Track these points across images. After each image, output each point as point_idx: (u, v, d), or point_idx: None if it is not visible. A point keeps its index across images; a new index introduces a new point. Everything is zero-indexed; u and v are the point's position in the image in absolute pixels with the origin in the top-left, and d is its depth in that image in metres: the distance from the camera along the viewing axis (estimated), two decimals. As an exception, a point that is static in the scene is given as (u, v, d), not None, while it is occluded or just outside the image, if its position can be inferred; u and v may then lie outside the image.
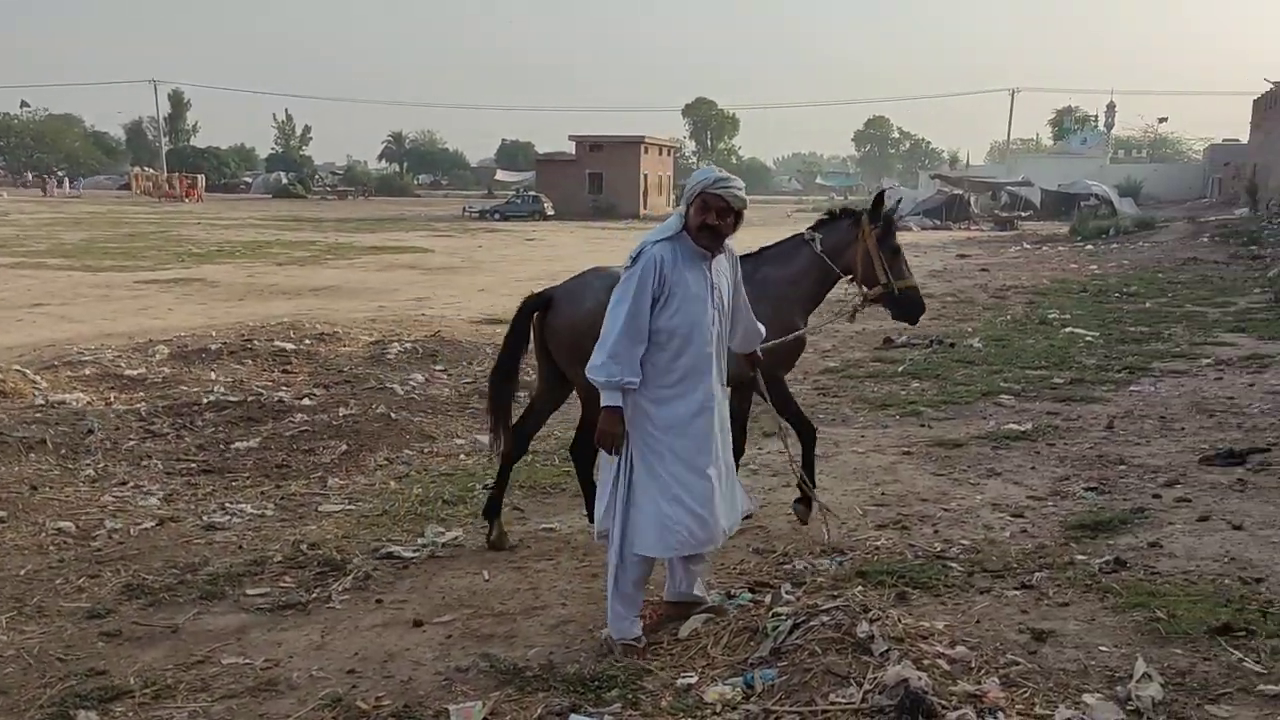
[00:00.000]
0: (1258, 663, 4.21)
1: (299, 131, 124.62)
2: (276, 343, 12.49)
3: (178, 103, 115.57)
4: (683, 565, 4.90)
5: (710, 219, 4.46)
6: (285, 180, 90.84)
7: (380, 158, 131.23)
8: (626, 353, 4.37)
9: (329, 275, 23.51)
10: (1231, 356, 12.34)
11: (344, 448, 8.17)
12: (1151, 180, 66.23)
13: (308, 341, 12.83)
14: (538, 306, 5.82)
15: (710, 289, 4.55)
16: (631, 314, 4.38)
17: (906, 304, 6.25)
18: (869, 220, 6.11)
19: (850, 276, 6.27)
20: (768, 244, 6.37)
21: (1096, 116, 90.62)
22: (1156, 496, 6.85)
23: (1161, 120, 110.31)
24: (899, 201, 6.23)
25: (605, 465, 4.69)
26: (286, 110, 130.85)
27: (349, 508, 6.84)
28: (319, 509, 6.80)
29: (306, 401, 9.64)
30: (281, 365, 11.47)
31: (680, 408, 4.52)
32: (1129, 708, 3.85)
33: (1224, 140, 67.74)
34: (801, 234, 6.28)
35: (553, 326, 5.72)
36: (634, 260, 4.48)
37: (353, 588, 5.42)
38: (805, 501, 6.31)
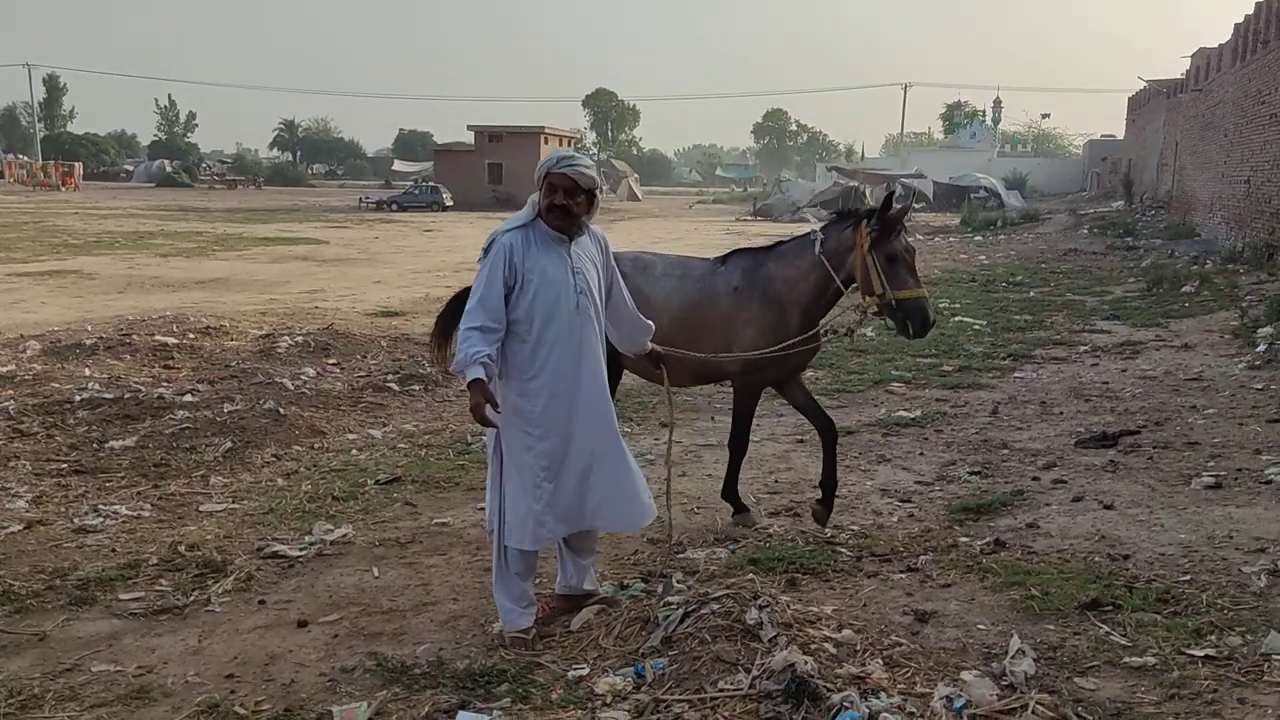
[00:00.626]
0: (1124, 636, 4.38)
1: (183, 118, 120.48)
2: (158, 337, 12.04)
3: (53, 88, 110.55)
4: (571, 559, 4.88)
5: (558, 199, 4.42)
6: (169, 169, 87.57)
7: (272, 146, 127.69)
8: (480, 338, 4.29)
9: (216, 267, 22.78)
10: (1107, 343, 12.87)
11: (229, 445, 7.91)
12: (1036, 174, 68.47)
13: (192, 336, 12.41)
14: None
15: (571, 273, 4.49)
16: (482, 299, 4.32)
17: (905, 316, 5.47)
18: (868, 222, 5.52)
19: (856, 286, 5.68)
20: (784, 239, 6.18)
21: (985, 112, 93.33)
22: (1035, 479, 7.10)
23: (1044, 116, 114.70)
24: (913, 195, 5.95)
25: (490, 459, 4.65)
26: (170, 96, 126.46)
27: (232, 507, 6.62)
28: (200, 509, 6.57)
29: (189, 398, 9.31)
30: (163, 360, 11.06)
31: (544, 399, 4.46)
32: (1004, 683, 3.97)
33: (1102, 136, 70.36)
34: (811, 233, 5.87)
35: None
36: (485, 251, 4.44)
37: (234, 589, 5.25)
38: (825, 504, 6.08)
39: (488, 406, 4.22)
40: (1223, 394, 9.58)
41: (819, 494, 6.13)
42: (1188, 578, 5.05)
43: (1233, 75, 24.82)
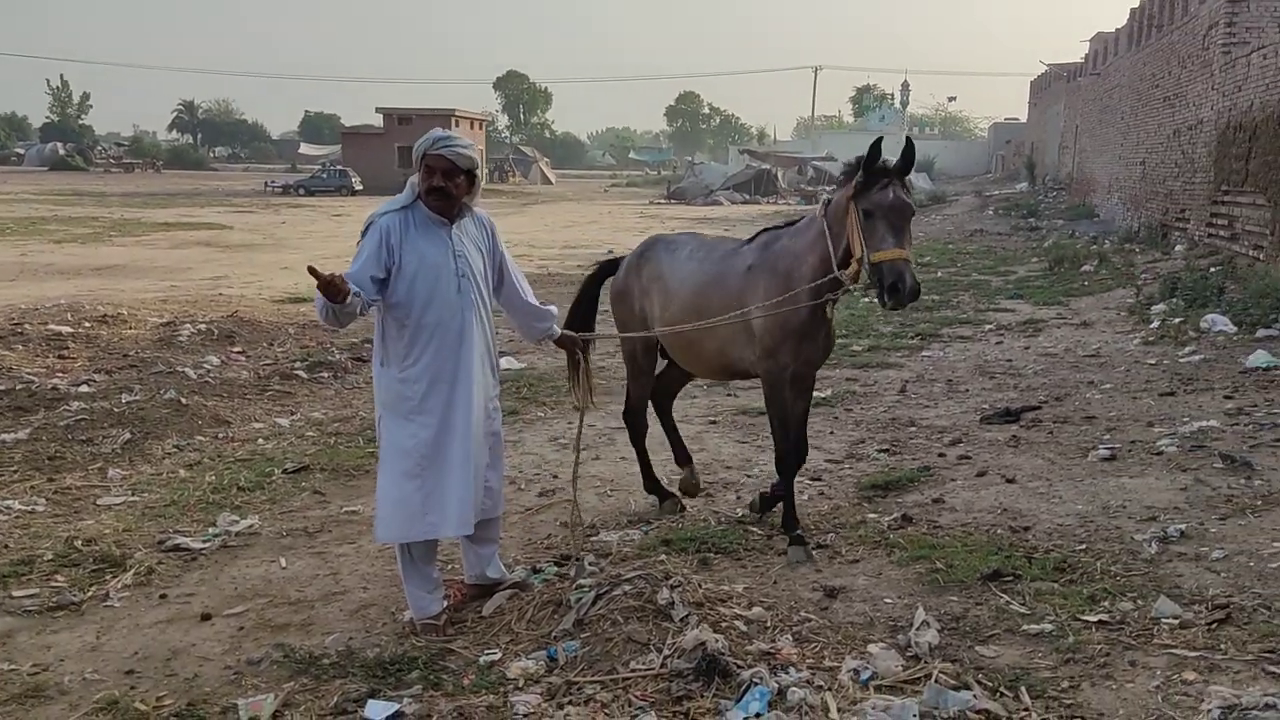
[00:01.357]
0: (1023, 605, 4.52)
1: (77, 99, 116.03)
2: (51, 326, 11.59)
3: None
4: (471, 549, 4.84)
5: (436, 181, 4.35)
6: (63, 151, 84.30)
7: (171, 128, 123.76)
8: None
9: (114, 254, 22.03)
10: (1011, 322, 13.22)
11: (127, 436, 7.67)
12: (943, 156, 69.90)
13: (88, 324, 11.98)
14: (610, 271, 6.18)
15: (452, 257, 4.42)
16: (351, 274, 4.21)
17: (880, 280, 4.74)
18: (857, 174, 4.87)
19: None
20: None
21: (893, 95, 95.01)
22: (942, 455, 7.26)
23: (951, 99, 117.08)
24: (907, 150, 4.87)
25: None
26: (62, 76, 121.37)
27: (132, 500, 6.42)
28: (97, 503, 6.36)
29: (85, 388, 9.00)
30: (57, 350, 10.64)
31: (424, 385, 4.38)
32: (909, 654, 4.07)
33: (1006, 119, 72.14)
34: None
35: (611, 289, 6.11)
36: (364, 233, 4.36)
37: (134, 584, 5.09)
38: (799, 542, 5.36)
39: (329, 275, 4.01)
40: (1119, 369, 9.91)
41: (731, 474, 6.18)
42: (1084, 547, 5.23)
43: (1128, 60, 25.62)
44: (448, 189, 4.36)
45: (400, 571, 4.62)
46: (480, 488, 4.58)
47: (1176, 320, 11.74)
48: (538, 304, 4.95)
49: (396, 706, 3.81)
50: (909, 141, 4.97)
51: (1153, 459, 6.76)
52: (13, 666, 4.25)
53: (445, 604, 4.66)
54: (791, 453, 5.45)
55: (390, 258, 4.30)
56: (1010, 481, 6.46)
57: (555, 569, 5.18)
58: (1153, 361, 10.09)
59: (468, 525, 4.54)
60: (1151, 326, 11.83)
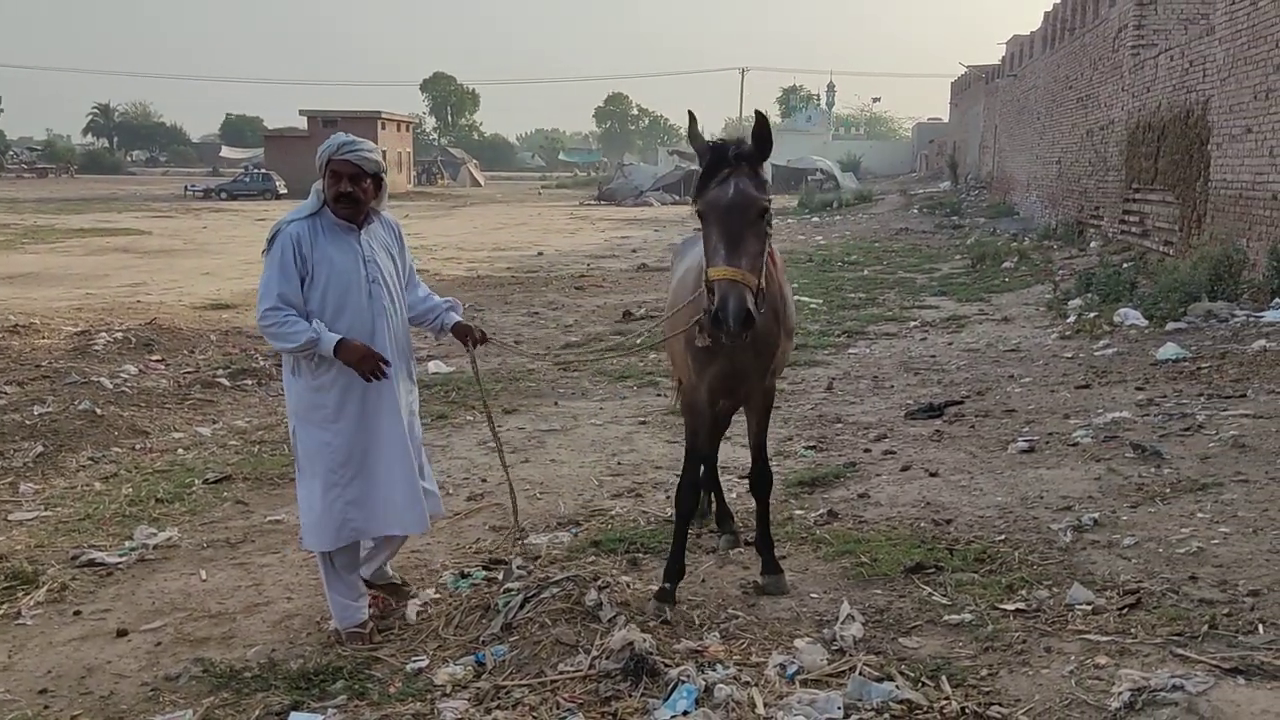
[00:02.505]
0: (945, 596, 4.61)
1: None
2: (-41, 337, 11.21)
3: None
4: (385, 550, 4.80)
5: (344, 187, 4.31)
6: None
7: (85, 132, 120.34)
8: (295, 316, 4.21)
9: (25, 261, 21.37)
10: (935, 319, 13.48)
11: (40, 449, 7.44)
12: (869, 156, 71.15)
13: (-1, 335, 11.60)
14: None
15: (363, 263, 4.39)
16: (280, 294, 4.20)
17: (711, 305, 3.89)
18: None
19: None
20: None
21: (819, 96, 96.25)
22: (867, 450, 7.37)
23: (875, 100, 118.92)
24: (757, 127, 3.89)
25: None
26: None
27: (45, 514, 6.24)
28: (8, 518, 6.16)
29: (-5, 400, 8.71)
30: (-35, 361, 10.29)
31: (337, 394, 4.33)
32: (834, 647, 4.12)
33: (929, 119, 73.55)
34: None
35: None
36: (270, 243, 4.30)
37: (46, 600, 4.95)
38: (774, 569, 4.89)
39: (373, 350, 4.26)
40: (1037, 363, 10.16)
41: (661, 474, 6.16)
42: (1003, 538, 5.35)
43: (1044, 61, 26.29)
44: (356, 194, 4.32)
45: (323, 581, 4.55)
46: (419, 487, 4.56)
47: (1091, 315, 12.07)
48: (439, 300, 4.88)
49: (320, 718, 3.76)
50: (759, 116, 3.97)
51: (1069, 450, 6.94)
52: (-82, 689, 4.10)
53: (370, 612, 4.61)
54: (689, 487, 4.74)
55: (303, 267, 4.25)
56: (933, 475, 6.59)
57: (483, 573, 5.16)
58: (1069, 355, 10.35)
59: (421, 522, 4.55)
60: (1068, 321, 12.14)
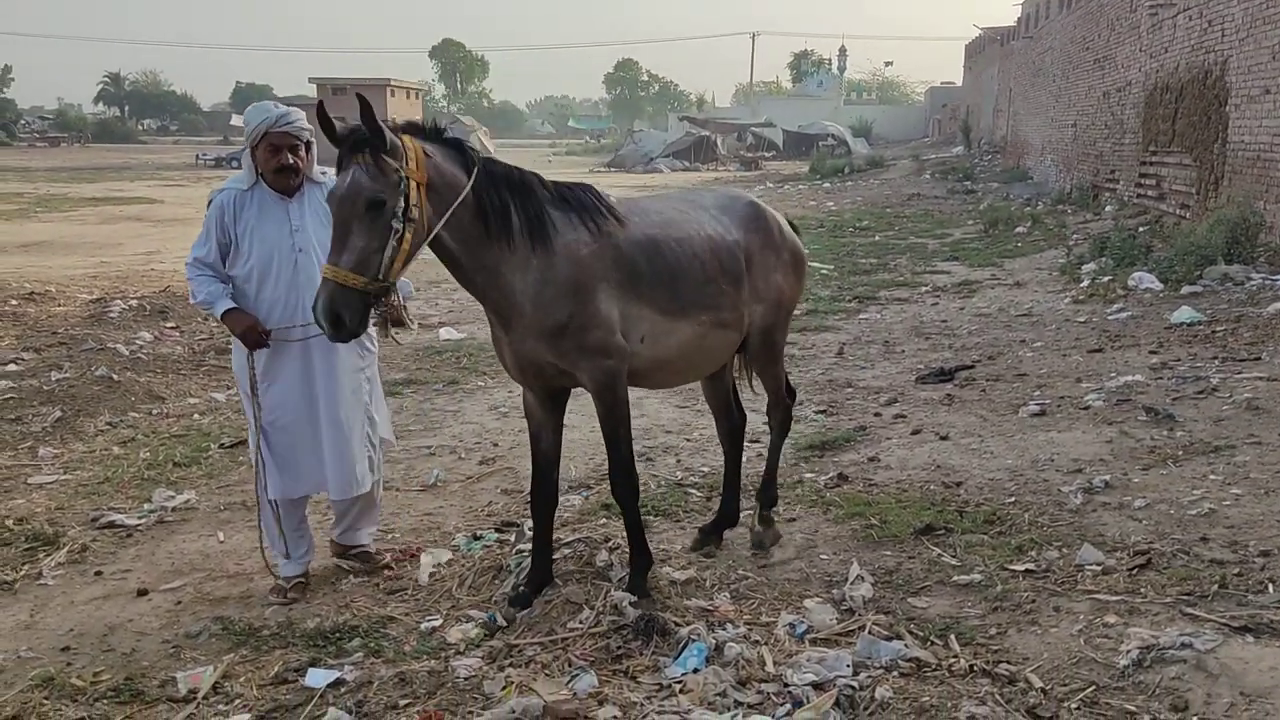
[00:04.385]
0: (954, 557, 4.65)
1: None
2: (-24, 305, 11.29)
3: None
4: (340, 512, 4.90)
5: (285, 159, 4.41)
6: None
7: (97, 101, 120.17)
8: (210, 277, 4.45)
9: (40, 230, 21.44)
10: (947, 284, 13.42)
11: (58, 414, 7.52)
12: (881, 121, 70.36)
13: (14, 302, 11.68)
14: None
15: (291, 233, 4.48)
16: (199, 256, 4.46)
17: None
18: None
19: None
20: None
21: (830, 60, 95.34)
22: (878, 415, 7.39)
23: (888, 64, 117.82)
24: (363, 110, 3.61)
25: None
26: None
27: (64, 478, 6.32)
28: (28, 481, 6.24)
29: (13, 367, 8.80)
30: (-17, 329, 10.38)
31: (264, 358, 4.49)
32: (843, 608, 4.17)
33: (942, 83, 72.76)
34: None
35: None
36: (208, 206, 4.52)
37: (68, 561, 5.03)
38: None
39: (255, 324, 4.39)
40: (1050, 328, 10.13)
41: (671, 439, 6.15)
42: (1013, 500, 5.37)
43: (1060, 22, 25.96)
44: (295, 164, 4.43)
45: (261, 526, 4.70)
46: (358, 455, 4.66)
47: (1105, 279, 12.01)
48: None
49: (337, 674, 3.83)
50: (360, 99, 3.68)
51: (1080, 414, 6.94)
52: (-56, 647, 4.18)
53: (303, 571, 4.73)
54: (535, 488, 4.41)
55: (225, 235, 4.43)
56: (944, 439, 6.60)
57: (495, 535, 5.21)
58: (1082, 320, 10.32)
59: (343, 488, 4.66)
60: (1082, 285, 12.08)
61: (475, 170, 3.83)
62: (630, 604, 4.00)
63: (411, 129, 3.80)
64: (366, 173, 3.55)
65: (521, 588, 4.36)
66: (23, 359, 9.14)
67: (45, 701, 3.70)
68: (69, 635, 4.29)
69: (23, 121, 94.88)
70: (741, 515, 5.21)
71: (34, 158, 58.64)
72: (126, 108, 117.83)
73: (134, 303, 11.81)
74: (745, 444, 5.28)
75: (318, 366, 4.56)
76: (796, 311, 11.72)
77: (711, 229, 4.39)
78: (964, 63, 53.39)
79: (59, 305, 11.82)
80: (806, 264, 4.93)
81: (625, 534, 4.43)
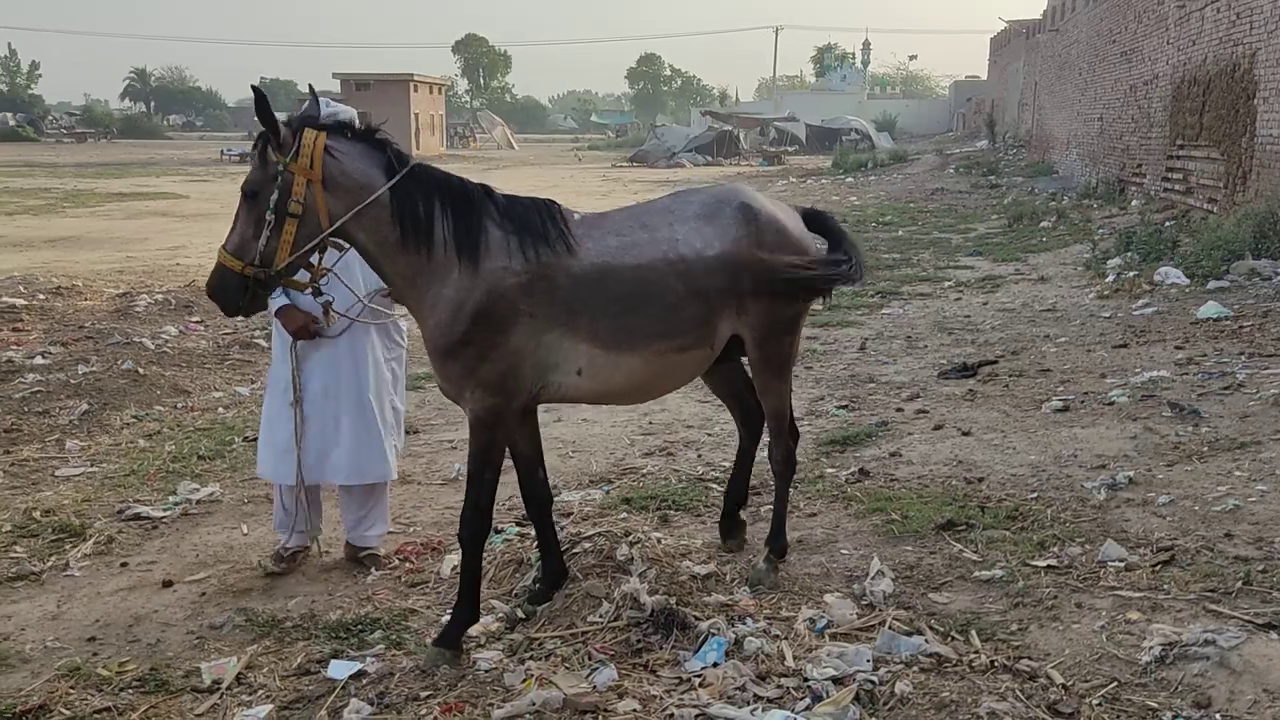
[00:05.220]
0: (975, 552, 4.63)
1: (25, 68, 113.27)
2: (4, 298, 11.39)
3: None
4: (351, 512, 4.96)
5: None
6: (12, 122, 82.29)
7: (123, 97, 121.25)
8: None
9: (68, 225, 21.64)
10: (970, 279, 13.35)
11: (85, 407, 7.60)
12: (905, 115, 70.02)
13: (42, 296, 11.80)
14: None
15: None
16: None
17: None
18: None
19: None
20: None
21: (854, 54, 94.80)
22: (899, 410, 7.36)
23: (912, 58, 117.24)
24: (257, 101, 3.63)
25: None
26: (9, 45, 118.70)
27: (91, 470, 6.39)
28: (55, 474, 6.31)
29: (40, 360, 8.90)
30: (11, 323, 10.48)
31: (280, 341, 4.72)
32: (864, 603, 4.17)
33: (967, 77, 72.29)
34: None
35: None
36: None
37: (94, 553, 5.09)
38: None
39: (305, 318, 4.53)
40: (1074, 323, 10.06)
41: (692, 434, 6.10)
42: (1035, 495, 5.35)
43: (1086, 15, 25.73)
44: None
45: (275, 499, 4.92)
46: (378, 442, 4.76)
47: (1131, 274, 11.91)
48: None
49: (359, 666, 3.86)
50: (255, 90, 3.68)
51: (1104, 409, 6.89)
52: (-28, 637, 4.24)
53: (304, 545, 4.90)
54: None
55: None
56: (966, 434, 6.57)
57: (516, 529, 5.23)
58: (1107, 315, 10.24)
59: (364, 474, 4.78)
60: (1107, 280, 11.99)
61: (400, 174, 3.74)
62: (648, 596, 4.01)
63: (323, 126, 3.71)
64: (253, 163, 3.70)
65: (539, 585, 4.35)
66: (50, 353, 9.24)
67: (71, 691, 3.75)
68: (95, 626, 4.34)
69: (50, 117, 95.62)
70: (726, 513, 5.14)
71: (61, 153, 59.20)
72: (152, 104, 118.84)
73: (159, 297, 11.93)
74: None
75: (343, 353, 4.68)
76: (817, 306, 11.71)
77: (685, 248, 3.99)
78: (989, 56, 53.03)
79: (86, 300, 11.94)
80: None
81: (459, 579, 4.05)
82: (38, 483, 6.19)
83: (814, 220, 4.54)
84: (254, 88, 3.69)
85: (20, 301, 11.31)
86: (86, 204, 26.84)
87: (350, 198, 3.69)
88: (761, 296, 4.12)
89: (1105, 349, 8.75)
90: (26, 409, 7.57)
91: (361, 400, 4.72)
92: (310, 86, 3.93)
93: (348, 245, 3.91)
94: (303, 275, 3.87)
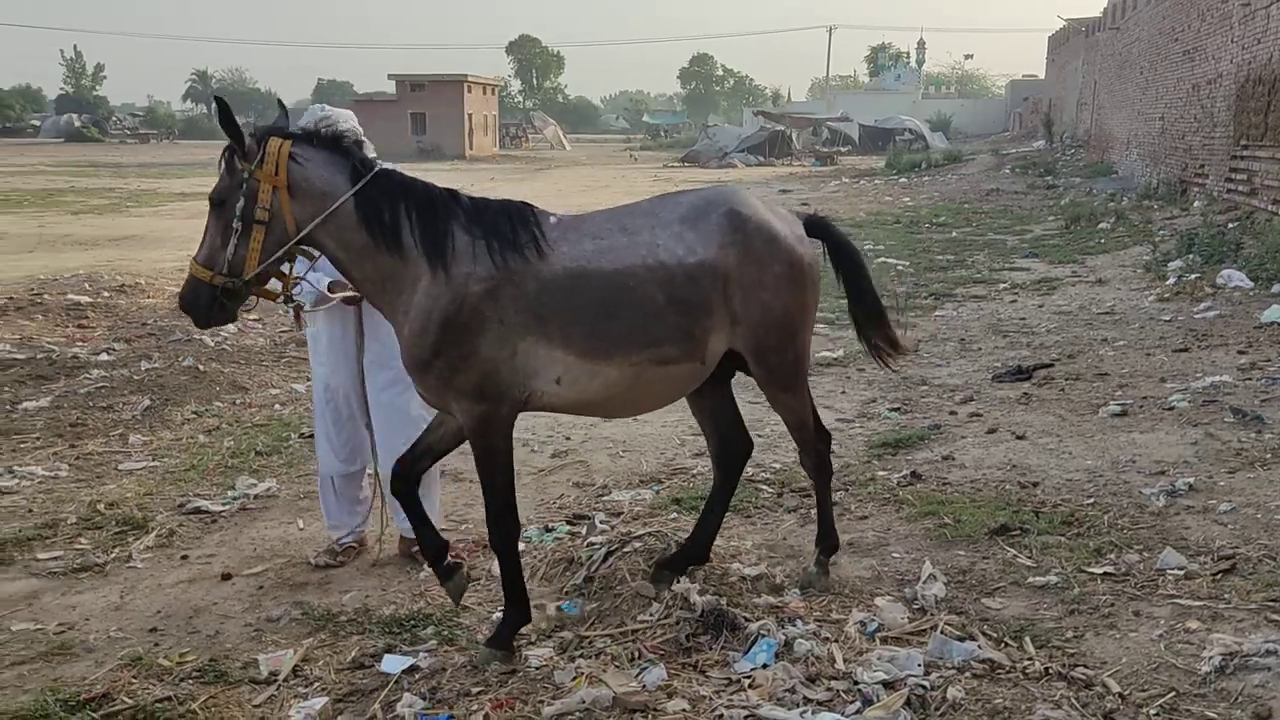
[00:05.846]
0: (1030, 558, 4.58)
1: (90, 70, 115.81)
2: (70, 296, 11.71)
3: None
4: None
5: None
6: (78, 123, 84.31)
7: (185, 98, 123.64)
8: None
9: (131, 224, 22.12)
10: (1026, 281, 13.17)
11: (147, 403, 7.78)
12: (960, 115, 69.18)
13: (106, 294, 12.09)
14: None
15: None
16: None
17: None
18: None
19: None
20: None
21: (908, 53, 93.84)
22: (953, 413, 7.29)
23: (967, 57, 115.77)
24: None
25: None
26: (75, 47, 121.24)
27: (152, 465, 6.53)
28: (119, 467, 6.47)
29: (104, 356, 9.13)
30: (76, 320, 10.77)
31: (323, 335, 4.90)
32: (915, 606, 4.14)
33: (1024, 76, 71.23)
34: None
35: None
36: None
37: (155, 545, 5.21)
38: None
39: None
40: (1133, 326, 9.88)
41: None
42: (1092, 501, 5.27)
43: (1148, 13, 25.25)
44: None
45: (320, 495, 5.09)
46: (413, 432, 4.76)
47: (1193, 276, 11.68)
48: None
49: (412, 660, 3.91)
50: (218, 101, 3.76)
51: (1164, 414, 6.76)
52: (40, 626, 4.37)
53: (357, 540, 5.04)
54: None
55: None
56: (1020, 438, 6.49)
57: (567, 528, 5.26)
58: (1167, 318, 10.05)
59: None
60: (1167, 283, 11.76)
61: (364, 179, 3.75)
62: (698, 596, 4.01)
63: (289, 134, 3.78)
64: (220, 172, 3.74)
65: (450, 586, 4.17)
66: (114, 349, 9.46)
67: (134, 680, 3.84)
68: (156, 617, 4.45)
69: (114, 118, 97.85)
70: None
71: (125, 154, 60.56)
72: (212, 105, 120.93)
73: (219, 295, 12.15)
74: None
75: (370, 343, 4.82)
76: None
77: (665, 253, 3.82)
78: (1047, 55, 52.18)
79: (148, 297, 12.20)
80: (813, 273, 4.13)
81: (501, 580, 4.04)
82: (102, 476, 6.34)
83: (816, 227, 4.32)
84: (216, 98, 3.81)
85: (86, 299, 11.60)
86: (149, 204, 27.42)
87: (315, 204, 3.72)
88: (754, 308, 3.93)
89: (1165, 353, 8.59)
90: (91, 404, 7.76)
91: (389, 388, 4.85)
92: (279, 100, 3.98)
93: (318, 253, 3.96)
94: (274, 285, 3.94)
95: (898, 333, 4.65)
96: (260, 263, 3.72)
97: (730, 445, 4.52)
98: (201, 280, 3.74)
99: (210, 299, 3.75)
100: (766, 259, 3.92)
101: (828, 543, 4.50)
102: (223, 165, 3.76)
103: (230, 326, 10.59)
